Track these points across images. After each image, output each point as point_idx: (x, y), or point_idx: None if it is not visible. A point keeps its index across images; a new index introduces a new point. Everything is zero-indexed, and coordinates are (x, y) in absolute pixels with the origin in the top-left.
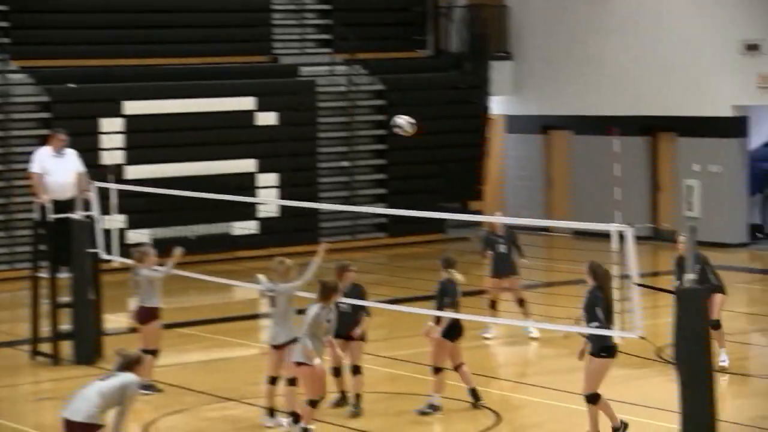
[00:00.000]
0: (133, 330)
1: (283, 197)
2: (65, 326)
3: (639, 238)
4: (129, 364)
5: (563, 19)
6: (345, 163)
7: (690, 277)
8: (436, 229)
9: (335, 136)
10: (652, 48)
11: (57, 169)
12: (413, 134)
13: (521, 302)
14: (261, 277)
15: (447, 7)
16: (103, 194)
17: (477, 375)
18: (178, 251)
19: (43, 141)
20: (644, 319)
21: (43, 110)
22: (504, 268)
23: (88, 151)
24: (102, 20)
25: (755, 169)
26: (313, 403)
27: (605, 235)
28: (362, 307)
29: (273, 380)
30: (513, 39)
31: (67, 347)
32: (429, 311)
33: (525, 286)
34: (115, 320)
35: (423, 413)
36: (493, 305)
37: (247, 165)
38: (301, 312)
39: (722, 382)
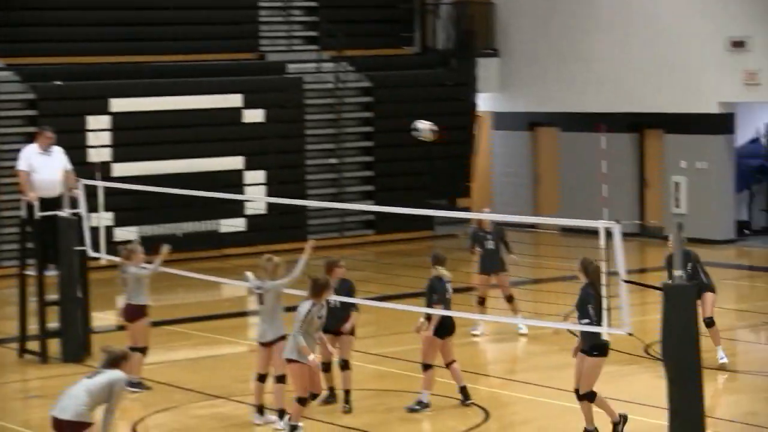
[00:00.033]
0: (121, 328)
1: (270, 194)
2: (53, 324)
3: (626, 235)
4: (115, 361)
5: (550, 15)
6: (332, 160)
7: (678, 273)
8: (424, 226)
9: (323, 133)
10: (638, 45)
11: (44, 166)
12: (435, 140)
13: (510, 299)
14: (249, 274)
15: (434, 4)
16: (91, 192)
17: (466, 372)
18: (165, 248)
19: (30, 139)
20: (632, 316)
21: (30, 108)
22: (492, 264)
23: (75, 149)
24: (88, 18)
25: (742, 165)
26: (302, 401)
27: (593, 232)
28: (349, 303)
29: (262, 377)
30: (500, 36)
31: (55, 345)
32: (417, 308)
33: (513, 283)
34: (103, 318)
35: (412, 410)
36: (481, 302)
37: (235, 162)
38: (289, 309)
39: (720, 378)
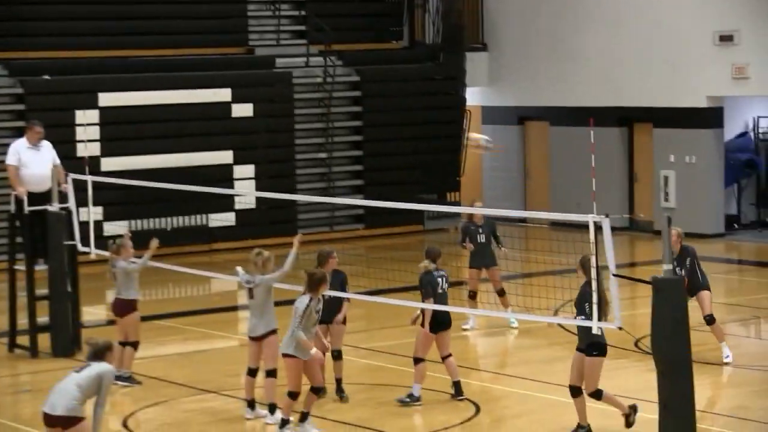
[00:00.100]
0: (111, 322)
1: (260, 189)
2: (43, 319)
3: (616, 229)
4: (100, 353)
5: (538, 10)
6: (322, 155)
7: (667, 267)
8: (414, 221)
9: (312, 127)
10: (627, 39)
11: (33, 161)
12: (490, 149)
13: (501, 293)
14: (239, 269)
15: None
16: (80, 186)
17: (457, 366)
18: (154, 243)
19: (19, 133)
20: (622, 310)
21: (18, 102)
22: (484, 259)
23: (64, 143)
24: (77, 12)
25: (731, 159)
26: (294, 395)
27: (582, 226)
28: (343, 292)
29: (252, 372)
30: (488, 30)
31: (45, 340)
32: (408, 303)
33: (503, 277)
34: (93, 312)
35: (402, 402)
36: (473, 296)
37: (224, 156)
38: (278, 304)
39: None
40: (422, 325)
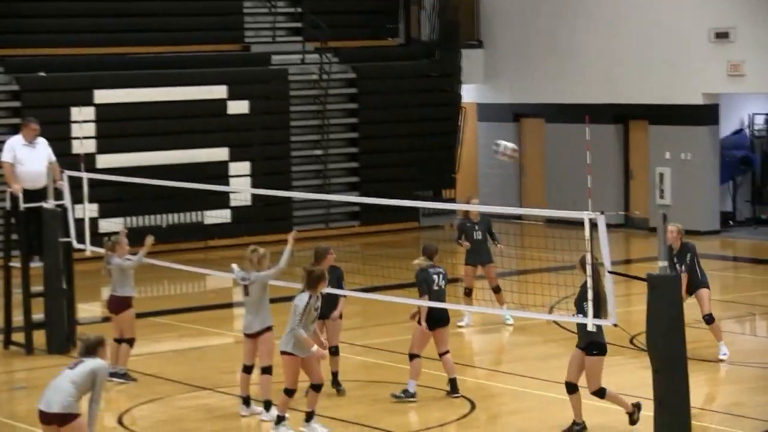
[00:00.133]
0: (106, 319)
1: (255, 186)
2: (38, 315)
3: (611, 226)
4: (93, 348)
5: (534, 7)
6: (318, 152)
7: (662, 264)
8: (409, 218)
9: (307, 124)
10: (623, 36)
11: (29, 158)
12: (517, 159)
13: (497, 290)
14: (235, 266)
15: None
16: (75, 183)
17: (453, 363)
18: (149, 240)
19: (14, 130)
20: (617, 307)
21: (14, 99)
22: (479, 256)
23: (59, 140)
24: (73, 9)
25: (726, 156)
26: (290, 392)
27: (578, 223)
28: (340, 288)
29: (248, 369)
30: (484, 27)
31: (40, 336)
32: (403, 300)
33: (498, 274)
34: (88, 309)
35: (396, 398)
36: (468, 293)
37: (220, 154)
38: (273, 301)
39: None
40: (419, 321)
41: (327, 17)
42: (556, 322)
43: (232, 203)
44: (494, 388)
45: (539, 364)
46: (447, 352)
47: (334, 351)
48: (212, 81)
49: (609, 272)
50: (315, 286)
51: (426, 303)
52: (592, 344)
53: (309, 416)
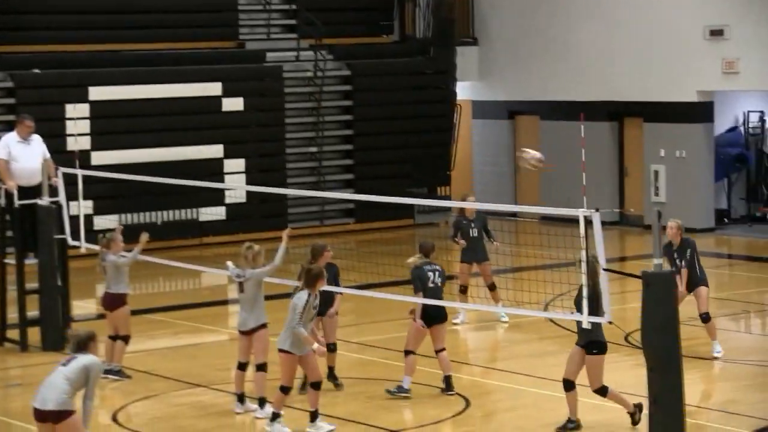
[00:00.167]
0: (101, 316)
1: (250, 183)
2: (33, 313)
3: (606, 224)
4: (84, 343)
5: (529, 4)
6: (312, 149)
7: (657, 262)
8: (404, 215)
9: (302, 121)
10: (617, 33)
11: (24, 155)
12: (540, 168)
13: (492, 287)
14: (230, 263)
15: None
16: (70, 180)
17: (450, 361)
18: (143, 237)
19: (9, 127)
20: (612, 304)
21: (8, 96)
22: (475, 253)
23: (54, 137)
24: (68, 6)
25: (721, 154)
26: (286, 390)
27: (573, 221)
28: (336, 285)
29: (242, 366)
30: (479, 24)
31: (35, 334)
32: (398, 297)
33: (493, 272)
34: (83, 306)
35: (391, 393)
36: (463, 291)
37: (214, 151)
38: (268, 298)
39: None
40: (414, 318)
41: (322, 14)
42: (551, 319)
43: (227, 200)
44: (489, 386)
45: (534, 361)
46: (443, 349)
47: (332, 348)
48: (207, 78)
49: (604, 270)
50: (314, 284)
51: (420, 300)
52: (592, 343)
53: (313, 416)
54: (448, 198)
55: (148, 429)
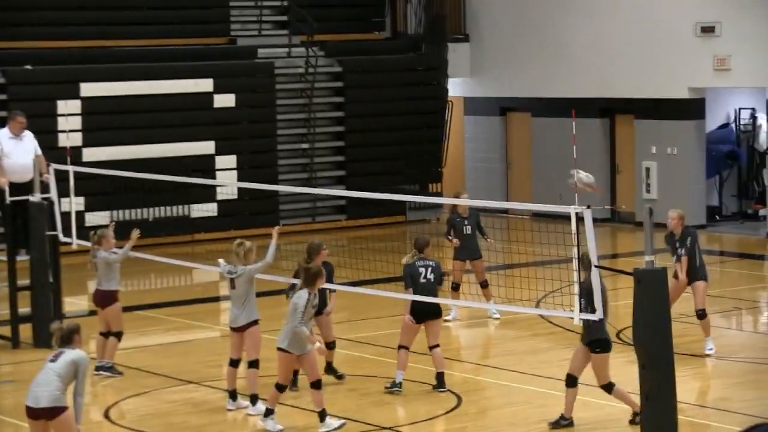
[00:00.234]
0: (93, 312)
1: (241, 179)
2: (24, 309)
3: (597, 220)
4: (68, 337)
5: (521, 0)
6: (304, 146)
7: (649, 258)
8: (396, 212)
9: (294, 118)
10: (609, 30)
11: (15, 151)
12: (593, 190)
13: (485, 284)
14: (221, 261)
15: None
16: (62, 176)
17: (443, 357)
18: (134, 233)
19: (1, 123)
20: None
21: None
22: (469, 251)
23: (46, 134)
24: (59, 2)
25: (712, 151)
26: (281, 387)
27: (564, 217)
28: (330, 283)
29: (234, 363)
30: (470, 21)
31: (26, 330)
32: (390, 294)
33: (485, 268)
34: (74, 303)
35: (386, 388)
36: (456, 288)
37: (206, 147)
38: (260, 295)
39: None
40: (407, 316)
41: (313, 11)
42: (543, 316)
43: (219, 197)
44: (481, 382)
45: (526, 358)
46: (437, 345)
47: (332, 346)
48: (198, 74)
49: (595, 266)
50: (313, 283)
51: (411, 296)
52: (595, 342)
53: (322, 416)
54: (439, 195)
55: (140, 425)
